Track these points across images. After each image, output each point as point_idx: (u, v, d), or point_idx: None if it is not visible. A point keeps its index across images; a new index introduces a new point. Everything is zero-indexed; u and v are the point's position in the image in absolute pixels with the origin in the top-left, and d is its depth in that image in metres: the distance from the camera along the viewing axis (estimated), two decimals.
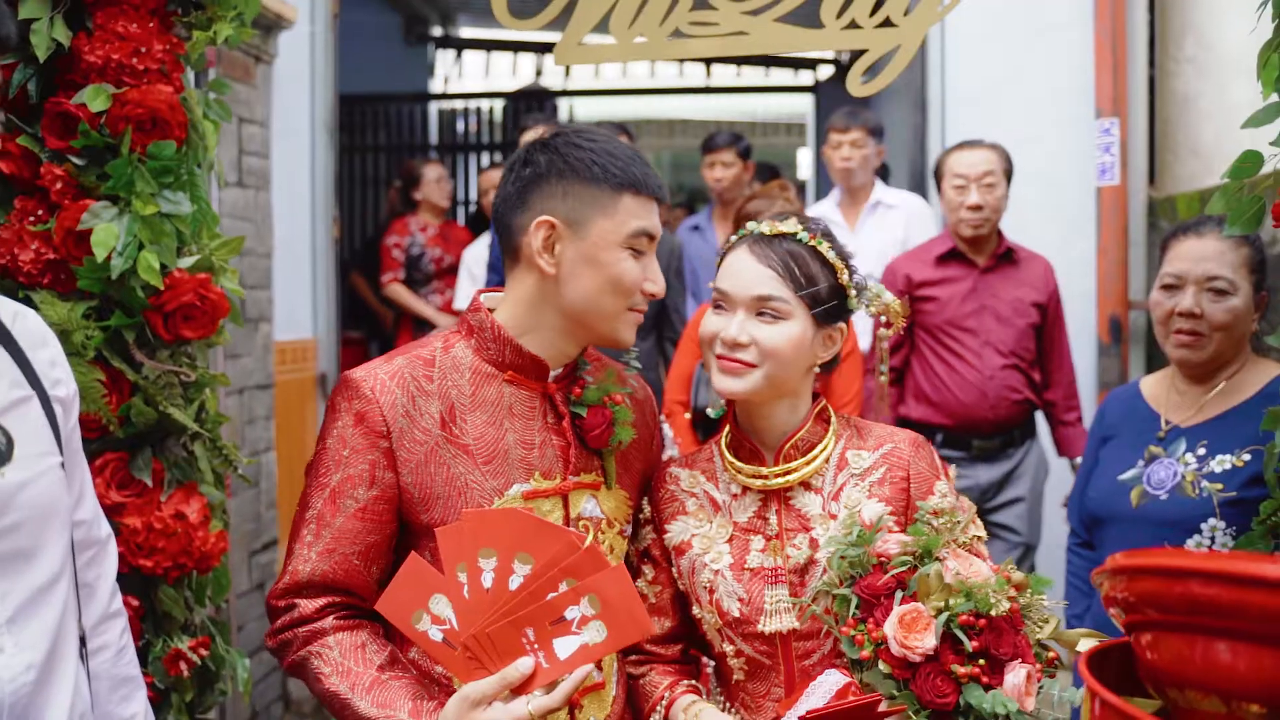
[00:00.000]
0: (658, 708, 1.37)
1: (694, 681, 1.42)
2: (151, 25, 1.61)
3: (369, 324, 5.38)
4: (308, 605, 1.24)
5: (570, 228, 1.27)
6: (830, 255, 1.35)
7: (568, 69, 7.89)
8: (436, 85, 8.36)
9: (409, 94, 7.79)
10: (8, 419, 1.00)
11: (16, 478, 0.98)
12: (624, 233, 1.28)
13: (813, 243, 1.34)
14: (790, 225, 1.36)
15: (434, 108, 8.11)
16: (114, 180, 1.57)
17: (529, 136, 3.51)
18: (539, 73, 8.66)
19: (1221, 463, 1.68)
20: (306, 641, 1.23)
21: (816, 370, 1.38)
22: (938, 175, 2.93)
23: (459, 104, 8.21)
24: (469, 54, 8.69)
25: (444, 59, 8.54)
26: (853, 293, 1.36)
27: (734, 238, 1.41)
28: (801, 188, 8.03)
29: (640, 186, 1.29)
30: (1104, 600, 0.96)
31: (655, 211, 1.33)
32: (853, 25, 1.57)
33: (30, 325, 1.12)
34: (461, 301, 4.06)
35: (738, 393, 1.32)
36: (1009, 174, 2.86)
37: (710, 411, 1.45)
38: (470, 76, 8.86)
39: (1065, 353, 2.94)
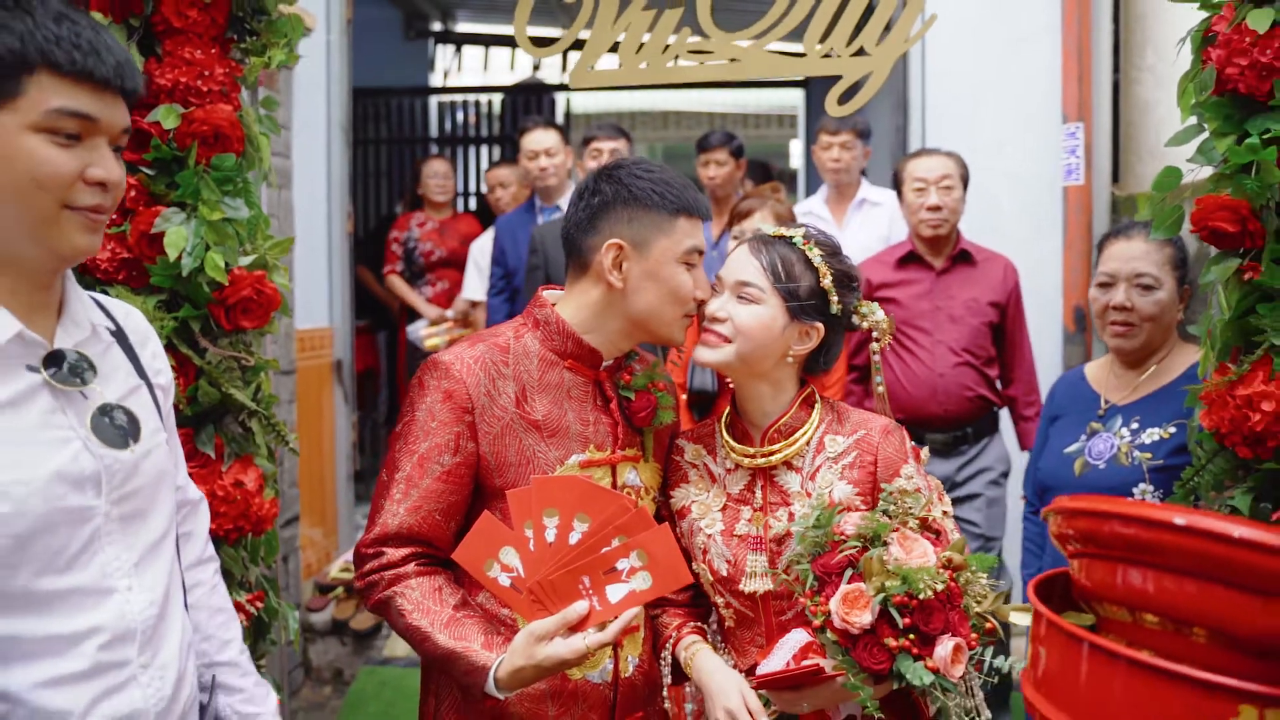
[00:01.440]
0: (666, 645, 1.59)
1: (699, 623, 1.62)
2: (213, 51, 1.82)
3: (372, 314, 5.60)
4: (394, 553, 1.43)
5: (635, 248, 1.47)
6: (816, 260, 1.53)
7: (564, 64, 8.06)
8: (436, 80, 8.54)
9: (409, 88, 7.98)
10: (129, 402, 1.22)
11: (141, 449, 1.20)
12: (680, 250, 1.48)
13: (803, 247, 1.54)
14: (791, 231, 1.56)
15: (434, 101, 8.31)
16: (182, 189, 1.79)
17: (530, 136, 3.74)
18: (536, 67, 8.83)
19: (1151, 435, 1.92)
20: (391, 584, 1.43)
21: (789, 361, 1.55)
22: (898, 181, 3.06)
23: (458, 98, 8.40)
24: (468, 49, 8.86)
25: (443, 54, 8.72)
26: (833, 297, 1.54)
27: (736, 233, 1.61)
28: (793, 177, 8.25)
29: (692, 210, 1.49)
30: (1051, 535, 1.17)
31: (702, 230, 1.53)
32: (831, 54, 1.79)
33: (137, 323, 1.33)
34: (468, 292, 4.27)
35: (709, 363, 1.52)
36: (965, 180, 3.00)
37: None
38: (469, 71, 9.03)
39: (1025, 350, 3.03)
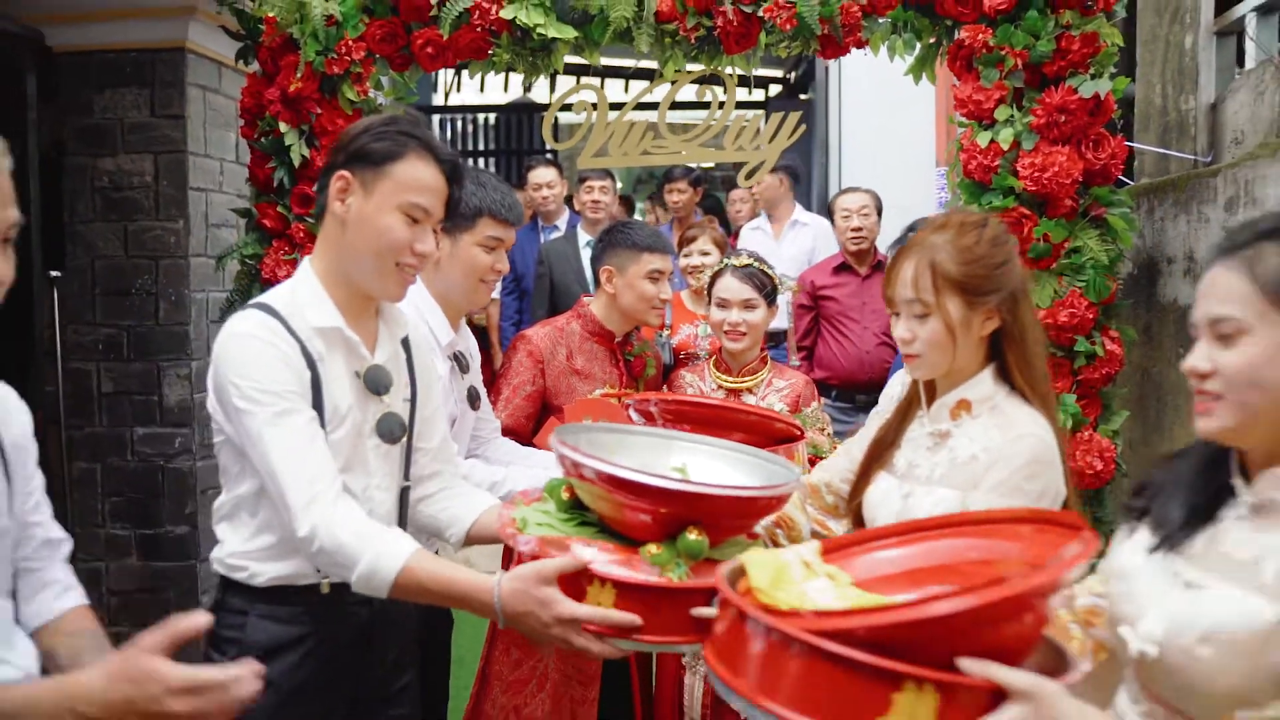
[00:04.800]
0: None
1: None
2: None
3: None
4: None
5: (619, 271, 2.48)
6: (769, 271, 2.61)
7: (552, 86, 9.08)
8: (438, 99, 9.55)
9: (415, 107, 8.97)
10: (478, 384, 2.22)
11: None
12: (645, 271, 2.49)
13: (761, 267, 2.60)
14: (745, 259, 2.60)
15: (435, 119, 9.33)
16: None
17: (534, 173, 4.79)
18: (527, 88, 9.83)
19: None
20: None
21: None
22: (830, 211, 4.14)
23: (458, 115, 9.43)
24: (466, 70, 9.84)
25: (445, 75, 9.72)
26: (780, 284, 2.62)
27: (719, 266, 2.62)
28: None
29: (653, 247, 2.51)
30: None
31: (667, 258, 2.52)
32: (739, 148, 2.88)
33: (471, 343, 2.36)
34: None
35: (740, 352, 2.55)
36: (880, 209, 4.07)
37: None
38: (468, 90, 10.02)
39: None
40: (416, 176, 1.56)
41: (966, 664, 0.95)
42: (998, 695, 0.95)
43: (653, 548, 1.27)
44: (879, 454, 1.66)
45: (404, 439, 1.63)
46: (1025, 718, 0.95)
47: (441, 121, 9.38)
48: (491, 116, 9.58)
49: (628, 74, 2.67)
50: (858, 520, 1.67)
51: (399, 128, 1.58)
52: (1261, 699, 1.05)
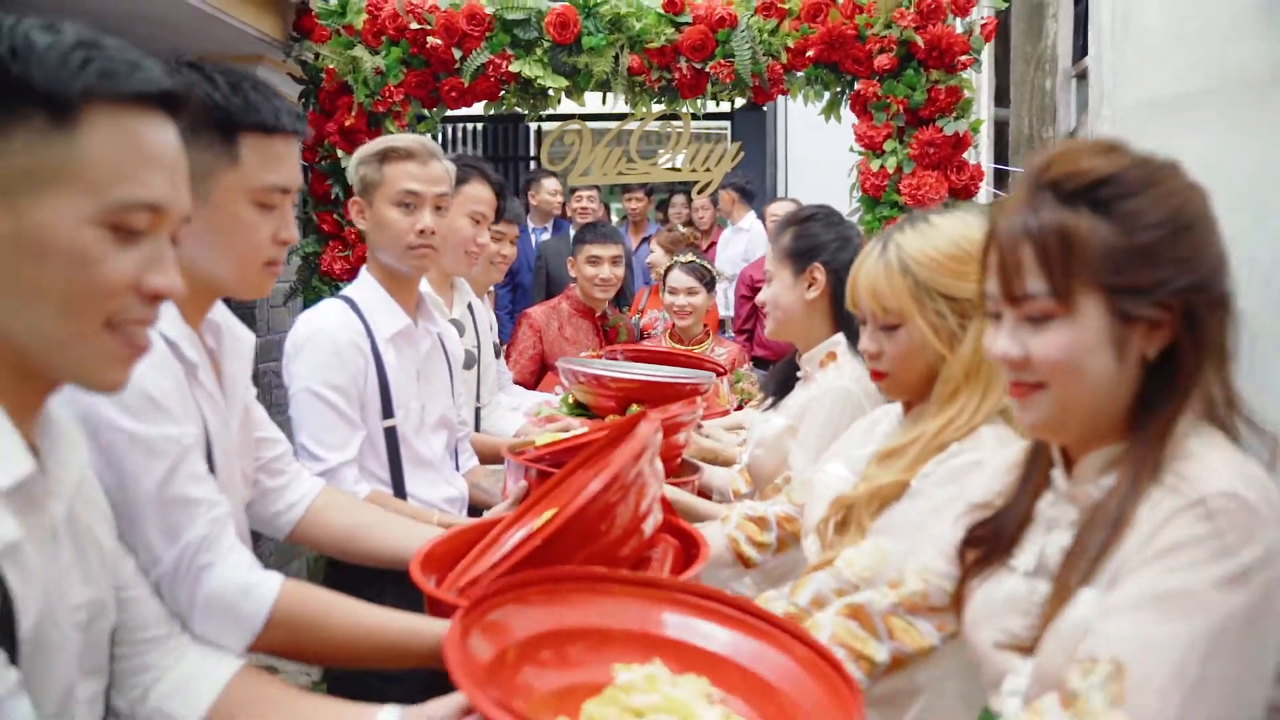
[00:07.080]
0: None
1: None
2: None
3: None
4: None
5: (575, 259, 3.32)
6: (709, 266, 3.44)
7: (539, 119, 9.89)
8: None
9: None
10: None
11: None
12: (584, 257, 3.31)
13: (703, 262, 3.44)
14: (689, 258, 3.43)
15: None
16: None
17: (548, 181, 5.63)
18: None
19: None
20: None
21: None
22: (762, 217, 5.05)
23: (448, 124, 10.19)
24: None
25: None
26: (716, 277, 3.47)
27: (671, 262, 3.46)
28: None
29: (591, 240, 3.33)
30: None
31: (609, 247, 3.37)
32: (693, 170, 3.73)
33: None
34: None
35: (687, 327, 3.37)
36: None
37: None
38: None
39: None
40: (476, 193, 2.29)
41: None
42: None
43: (613, 418, 2.10)
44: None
45: (476, 369, 2.44)
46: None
47: (431, 133, 10.13)
48: (479, 125, 10.36)
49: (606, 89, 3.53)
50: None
51: (465, 161, 2.30)
52: (778, 474, 1.78)
